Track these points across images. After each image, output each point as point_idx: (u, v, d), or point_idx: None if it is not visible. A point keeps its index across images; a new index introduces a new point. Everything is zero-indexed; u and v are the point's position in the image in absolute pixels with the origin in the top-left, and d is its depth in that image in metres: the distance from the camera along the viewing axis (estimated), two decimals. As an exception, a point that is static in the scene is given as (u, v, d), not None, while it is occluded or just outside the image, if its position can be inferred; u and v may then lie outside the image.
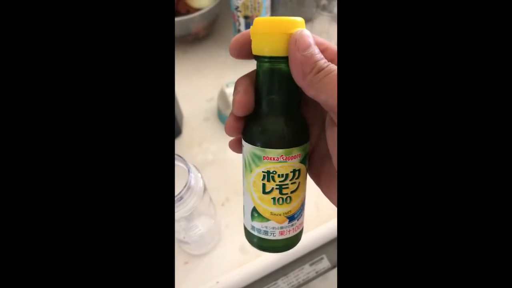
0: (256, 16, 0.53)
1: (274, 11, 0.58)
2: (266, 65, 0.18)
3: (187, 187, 0.27)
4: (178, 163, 0.28)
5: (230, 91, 0.50)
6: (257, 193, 0.19)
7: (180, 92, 0.51)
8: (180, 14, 0.57)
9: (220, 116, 0.52)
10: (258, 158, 0.19)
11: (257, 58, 0.19)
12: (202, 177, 0.30)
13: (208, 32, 0.63)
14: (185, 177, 0.28)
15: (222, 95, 0.51)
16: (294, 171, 0.19)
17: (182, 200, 0.27)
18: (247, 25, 0.54)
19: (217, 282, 0.40)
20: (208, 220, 0.35)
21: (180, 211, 0.28)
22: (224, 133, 0.59)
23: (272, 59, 0.18)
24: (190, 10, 0.56)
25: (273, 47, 0.18)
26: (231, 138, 0.21)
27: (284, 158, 0.18)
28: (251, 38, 0.18)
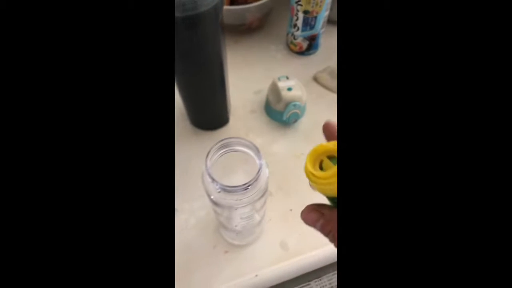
0: (316, 13, 0.52)
1: (333, 10, 0.57)
2: None
3: (256, 178, 0.26)
4: (249, 152, 0.28)
5: (282, 84, 0.49)
6: None
7: (230, 82, 0.50)
8: (237, 3, 0.56)
9: (268, 109, 0.52)
10: None
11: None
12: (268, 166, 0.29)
13: (262, 24, 0.62)
14: (253, 165, 0.27)
15: (274, 88, 0.50)
16: None
17: (249, 188, 0.26)
18: (305, 21, 0.53)
19: (256, 275, 0.40)
20: (260, 213, 0.35)
21: (245, 199, 0.27)
22: (270, 127, 0.58)
23: None
24: (248, 0, 0.55)
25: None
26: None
27: None
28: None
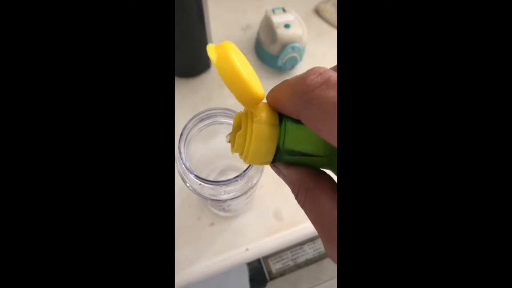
0: None
1: None
2: None
3: (249, 168, 0.19)
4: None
5: (277, 20, 0.39)
6: None
7: (209, 13, 0.40)
8: None
9: (259, 50, 0.42)
10: None
11: None
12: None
13: None
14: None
15: (267, 23, 0.40)
16: None
17: (239, 181, 0.20)
18: None
19: (247, 249, 0.36)
20: (253, 195, 0.28)
21: (233, 192, 0.21)
22: (262, 74, 0.48)
23: None
24: None
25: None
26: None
27: None
28: None
